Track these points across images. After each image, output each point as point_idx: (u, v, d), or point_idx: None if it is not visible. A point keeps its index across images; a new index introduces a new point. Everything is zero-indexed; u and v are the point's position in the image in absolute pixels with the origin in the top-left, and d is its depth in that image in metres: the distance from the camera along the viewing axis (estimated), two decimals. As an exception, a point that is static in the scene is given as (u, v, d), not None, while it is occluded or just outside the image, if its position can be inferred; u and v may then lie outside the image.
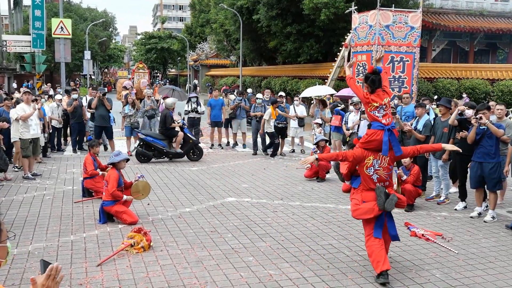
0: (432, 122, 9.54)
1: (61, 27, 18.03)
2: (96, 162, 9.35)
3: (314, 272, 5.79)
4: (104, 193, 7.73)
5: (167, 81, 65.96)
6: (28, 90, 12.52)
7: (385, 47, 16.42)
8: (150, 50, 72.36)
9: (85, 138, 14.84)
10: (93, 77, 55.78)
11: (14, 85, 39.39)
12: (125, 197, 7.65)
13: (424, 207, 8.88)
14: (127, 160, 8.04)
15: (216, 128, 15.95)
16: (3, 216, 7.88)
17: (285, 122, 14.48)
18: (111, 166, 7.81)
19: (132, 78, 37.15)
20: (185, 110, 15.21)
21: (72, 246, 6.54)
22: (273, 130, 13.95)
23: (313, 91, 15.34)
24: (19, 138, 10.86)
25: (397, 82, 16.75)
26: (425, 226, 7.74)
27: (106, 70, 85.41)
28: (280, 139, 14.50)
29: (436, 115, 10.82)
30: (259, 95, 15.26)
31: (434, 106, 12.40)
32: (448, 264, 6.13)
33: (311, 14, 24.37)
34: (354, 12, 18.08)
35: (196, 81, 54.82)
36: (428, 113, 9.70)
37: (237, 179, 11.14)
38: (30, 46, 20.79)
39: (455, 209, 8.69)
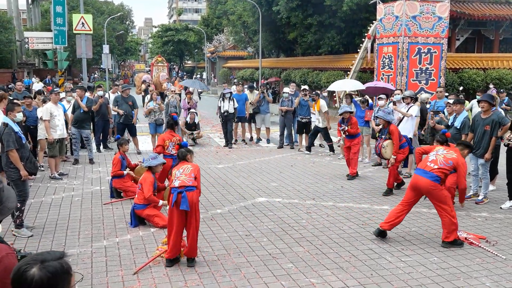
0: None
1: (82, 23, 17.93)
2: (126, 161, 9.23)
3: (357, 281, 5.57)
4: (136, 196, 7.58)
5: (184, 73, 65.86)
6: (58, 90, 12.36)
7: (411, 38, 16.02)
8: (167, 43, 72.27)
9: (109, 136, 14.76)
10: (110, 69, 55.89)
11: (34, 79, 39.65)
12: (161, 202, 7.47)
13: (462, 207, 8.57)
14: (164, 163, 7.86)
15: (239, 123, 15.74)
16: (34, 220, 7.78)
17: (308, 117, 14.21)
18: (147, 169, 7.61)
19: (150, 71, 37.17)
20: (220, 108, 14.87)
21: (106, 253, 6.39)
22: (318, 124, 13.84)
23: (341, 85, 15.00)
24: (45, 138, 10.79)
25: (424, 74, 16.38)
26: (466, 228, 7.46)
27: (122, 63, 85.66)
28: (305, 133, 14.32)
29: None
30: (286, 89, 14.99)
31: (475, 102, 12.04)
32: (497, 271, 5.85)
33: (332, 4, 23.96)
34: (379, 2, 17.65)
35: (210, 74, 54.67)
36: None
37: (265, 177, 10.94)
38: (52, 43, 20.76)
39: (501, 208, 8.44)
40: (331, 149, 13.90)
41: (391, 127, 9.57)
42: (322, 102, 13.58)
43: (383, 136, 9.64)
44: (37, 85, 21.30)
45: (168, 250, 5.96)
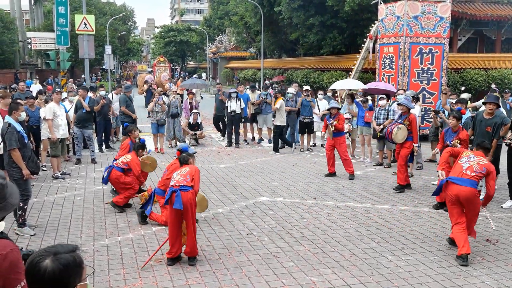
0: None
1: (85, 23, 17.98)
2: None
3: (358, 279, 5.59)
4: (159, 180, 7.65)
5: (187, 74, 65.93)
6: (60, 90, 12.44)
7: (413, 39, 16.01)
8: (169, 43, 72.39)
9: (111, 136, 14.81)
10: (113, 70, 55.99)
11: (35, 80, 39.76)
12: None
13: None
14: (195, 153, 7.89)
15: (241, 124, 15.76)
16: (37, 219, 7.83)
17: (311, 117, 14.26)
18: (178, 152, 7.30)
19: (152, 72, 37.27)
20: (227, 108, 15.02)
21: (108, 251, 6.43)
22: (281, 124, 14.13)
23: (343, 84, 15.05)
24: (48, 138, 10.84)
25: (426, 74, 16.35)
26: (467, 227, 7.48)
27: (125, 63, 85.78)
28: (307, 134, 14.38)
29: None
30: (290, 89, 15.03)
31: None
32: (497, 270, 5.88)
33: (334, 5, 23.96)
34: (380, 3, 17.66)
35: (209, 75, 54.78)
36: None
37: (267, 176, 10.96)
38: (54, 43, 20.79)
39: (502, 207, 8.46)
40: (276, 149, 14.20)
41: (411, 115, 9.69)
42: (281, 101, 14.06)
43: (399, 121, 9.77)
44: (35, 86, 21.31)
45: (169, 249, 6.00)
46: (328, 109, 11.19)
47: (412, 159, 11.06)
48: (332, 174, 10.99)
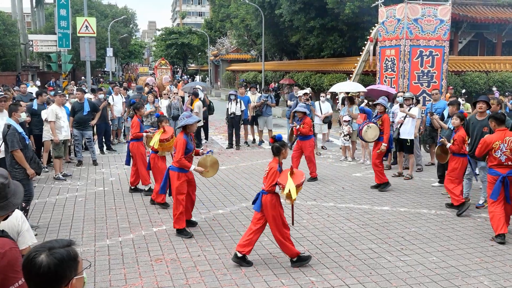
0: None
1: (86, 26, 18.08)
2: (143, 124, 9.69)
3: (356, 279, 5.64)
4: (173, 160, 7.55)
5: (187, 77, 66.03)
6: (63, 93, 12.53)
7: (413, 41, 16.07)
8: (170, 46, 72.57)
9: (112, 138, 14.87)
10: (115, 73, 56.10)
11: (38, 83, 39.83)
12: (192, 167, 7.09)
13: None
14: (199, 121, 7.96)
15: (242, 126, 15.82)
16: (38, 219, 7.88)
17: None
18: (181, 129, 7.22)
19: (153, 74, 37.34)
20: (227, 109, 15.20)
21: (109, 251, 6.49)
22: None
23: (342, 86, 15.11)
24: (51, 139, 10.91)
25: (426, 76, 16.40)
26: (466, 228, 7.53)
27: (126, 66, 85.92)
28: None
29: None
30: (298, 92, 15.10)
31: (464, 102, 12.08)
32: (495, 271, 5.92)
33: (335, 8, 24.04)
34: (381, 5, 17.73)
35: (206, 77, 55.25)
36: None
37: (267, 178, 10.99)
38: (56, 46, 20.89)
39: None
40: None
41: (385, 116, 9.98)
42: (199, 103, 14.76)
43: (373, 120, 9.96)
44: (31, 89, 21.41)
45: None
46: (294, 112, 11.13)
47: (387, 156, 11.57)
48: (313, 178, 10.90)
